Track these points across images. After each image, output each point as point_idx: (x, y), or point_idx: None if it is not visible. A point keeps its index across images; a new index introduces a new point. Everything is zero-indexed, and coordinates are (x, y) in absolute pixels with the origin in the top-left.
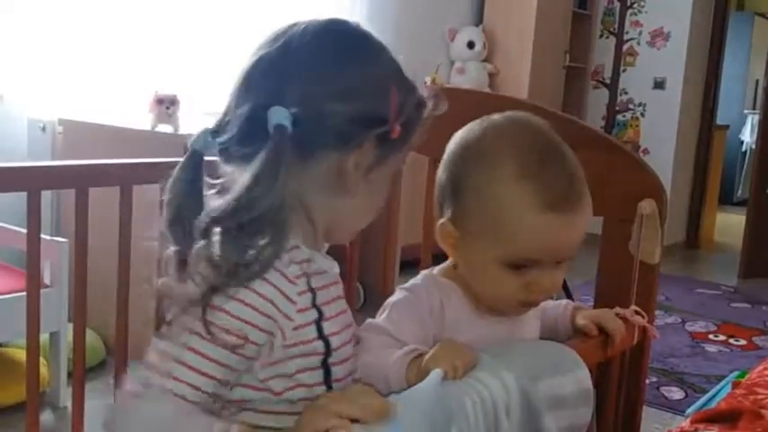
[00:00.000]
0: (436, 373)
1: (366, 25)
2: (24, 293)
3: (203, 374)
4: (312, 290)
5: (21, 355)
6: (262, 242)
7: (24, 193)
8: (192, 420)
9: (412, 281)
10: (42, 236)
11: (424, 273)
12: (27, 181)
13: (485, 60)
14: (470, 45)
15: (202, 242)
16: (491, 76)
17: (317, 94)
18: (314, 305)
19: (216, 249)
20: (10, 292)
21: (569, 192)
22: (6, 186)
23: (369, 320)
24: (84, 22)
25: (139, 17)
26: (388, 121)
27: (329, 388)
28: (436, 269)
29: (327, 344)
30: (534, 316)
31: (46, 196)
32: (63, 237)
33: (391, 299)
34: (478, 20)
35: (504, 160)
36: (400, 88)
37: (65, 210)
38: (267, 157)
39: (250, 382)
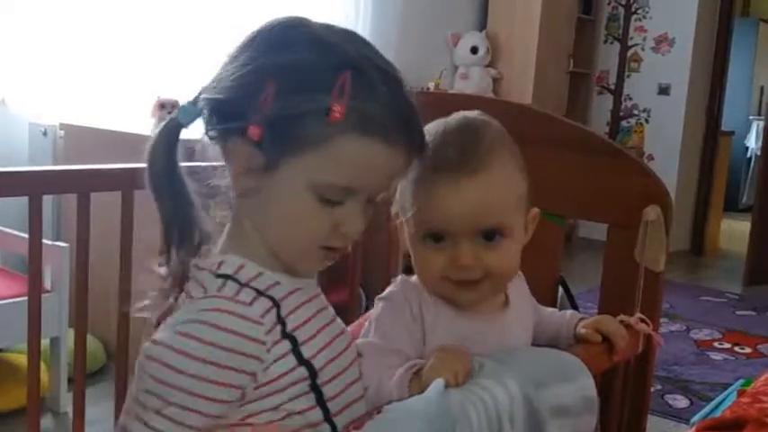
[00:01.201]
0: (438, 383)
1: (370, 31)
2: (25, 298)
3: None
4: (280, 320)
5: (21, 360)
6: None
7: (26, 198)
8: None
9: (388, 288)
10: (43, 240)
11: (398, 278)
12: (28, 185)
13: (488, 65)
14: (474, 50)
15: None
16: (495, 81)
17: (209, 84)
18: (285, 336)
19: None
20: (11, 297)
21: (460, 158)
22: (7, 191)
23: (358, 342)
24: (86, 26)
25: (141, 21)
26: (245, 118)
27: (325, 410)
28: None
29: (311, 367)
30: (521, 318)
31: (47, 201)
32: (64, 241)
33: (373, 313)
34: (482, 25)
35: None
36: (284, 83)
37: (66, 214)
38: (152, 142)
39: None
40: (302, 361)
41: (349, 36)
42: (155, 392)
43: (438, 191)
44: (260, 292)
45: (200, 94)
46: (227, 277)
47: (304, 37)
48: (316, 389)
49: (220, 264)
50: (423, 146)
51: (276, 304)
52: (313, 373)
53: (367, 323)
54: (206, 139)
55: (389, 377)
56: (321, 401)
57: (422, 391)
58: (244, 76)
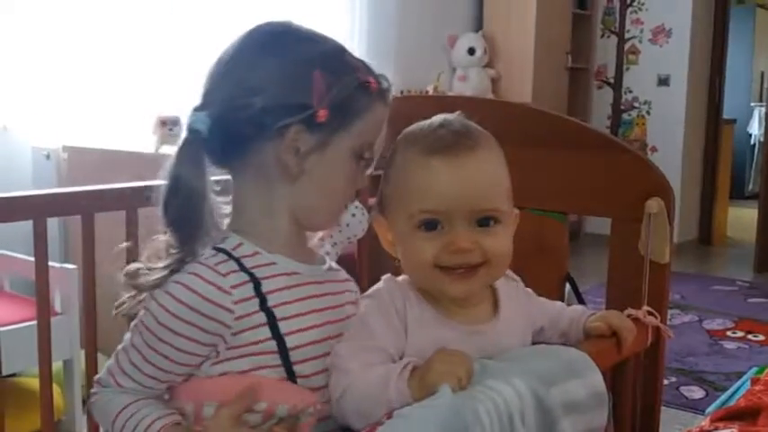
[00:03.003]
0: (445, 389)
1: (366, 36)
2: (35, 322)
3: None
4: (260, 294)
5: (35, 384)
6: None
7: (31, 222)
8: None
9: (374, 287)
10: (51, 263)
11: (385, 277)
12: (31, 209)
13: (486, 66)
14: (471, 51)
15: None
16: (493, 81)
17: (234, 93)
18: (263, 309)
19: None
20: (22, 322)
21: (456, 137)
22: (11, 216)
23: (341, 340)
24: (83, 48)
25: (138, 39)
26: (310, 106)
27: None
28: (401, 276)
29: (282, 342)
30: (512, 330)
31: (53, 224)
32: (72, 263)
33: (359, 312)
34: (478, 26)
35: (406, 139)
36: (327, 71)
37: (73, 236)
38: (174, 160)
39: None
40: (276, 335)
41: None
42: (140, 330)
43: (435, 171)
44: (244, 268)
45: (217, 103)
46: (221, 250)
47: (308, 31)
48: (287, 364)
49: (223, 239)
50: None
51: (255, 280)
52: (284, 349)
53: (352, 321)
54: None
55: (379, 378)
56: (292, 378)
57: (424, 394)
58: (287, 73)
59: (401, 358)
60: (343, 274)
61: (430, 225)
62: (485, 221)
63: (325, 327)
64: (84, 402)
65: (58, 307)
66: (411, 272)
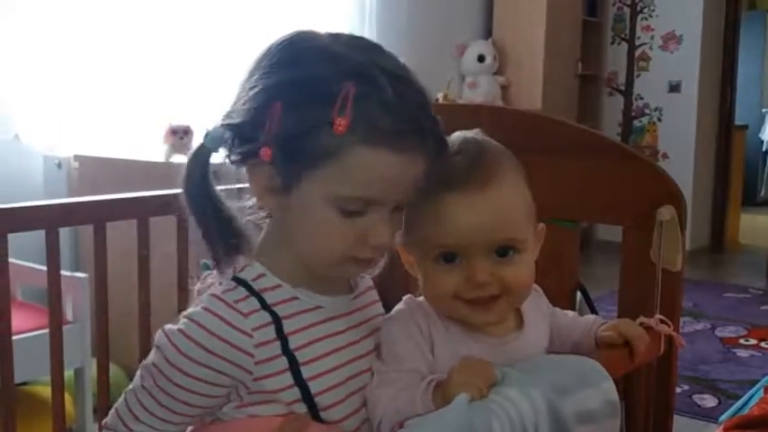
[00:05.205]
0: (461, 398)
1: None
2: (47, 331)
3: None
4: (281, 336)
5: (47, 392)
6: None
7: (42, 231)
8: None
9: (396, 308)
10: (62, 272)
11: (406, 297)
12: (43, 219)
13: (496, 73)
14: (481, 59)
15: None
16: (503, 88)
17: (230, 110)
18: (285, 353)
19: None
20: (33, 330)
21: (468, 171)
22: (24, 225)
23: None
24: (95, 57)
25: (149, 48)
26: (256, 140)
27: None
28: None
29: (306, 388)
30: (537, 340)
31: (65, 232)
32: (83, 272)
33: (381, 335)
34: (487, 33)
35: None
36: (293, 102)
37: (84, 245)
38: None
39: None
40: (299, 381)
41: (356, 42)
42: (150, 371)
43: (448, 206)
44: (265, 306)
45: (223, 119)
46: (242, 282)
47: (307, 51)
48: (313, 411)
49: (244, 267)
50: (440, 147)
51: (277, 320)
52: (308, 395)
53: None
54: (228, 162)
55: (410, 399)
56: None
57: (445, 405)
58: (252, 99)
59: None
60: (370, 297)
61: (448, 257)
62: (503, 251)
63: (349, 365)
64: (95, 411)
65: (69, 315)
66: (432, 301)
